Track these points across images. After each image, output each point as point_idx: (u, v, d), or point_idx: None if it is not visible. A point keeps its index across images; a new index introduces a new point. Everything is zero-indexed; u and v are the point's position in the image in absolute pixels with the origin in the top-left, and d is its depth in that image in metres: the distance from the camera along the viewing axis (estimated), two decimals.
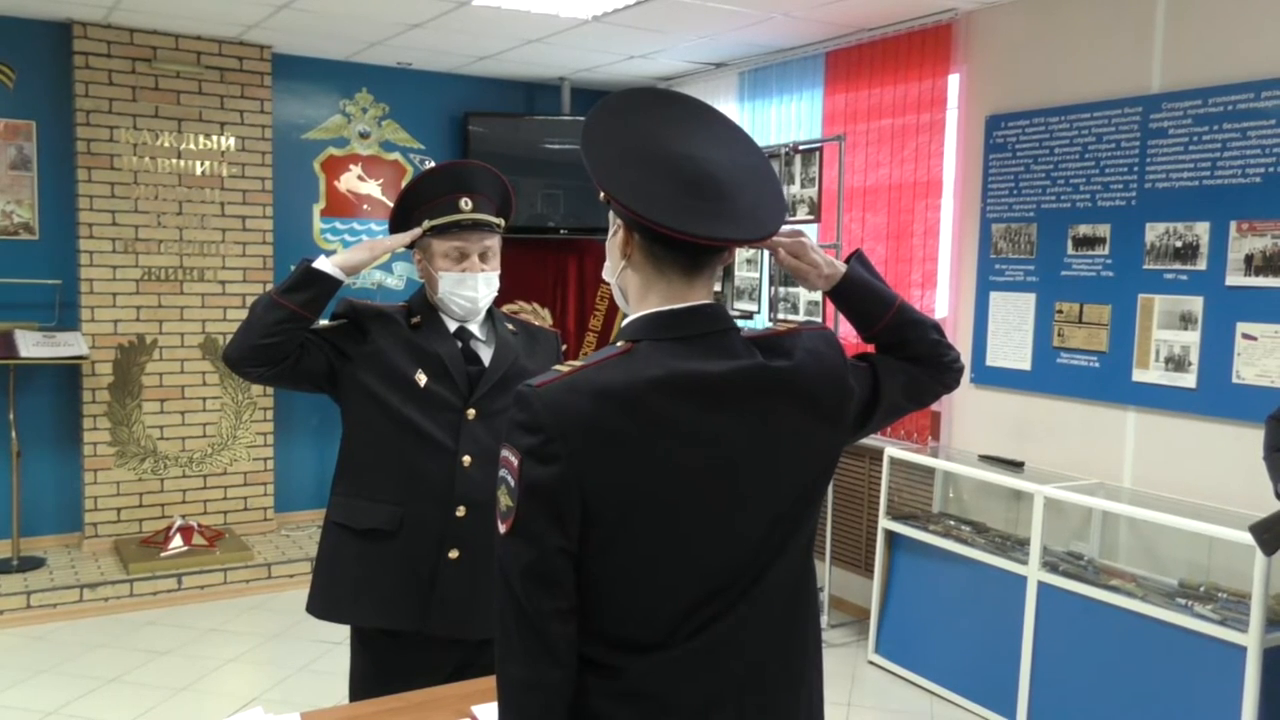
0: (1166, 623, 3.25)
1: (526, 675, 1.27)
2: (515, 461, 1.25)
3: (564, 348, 2.49)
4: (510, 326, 2.30)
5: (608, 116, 1.29)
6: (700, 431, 1.25)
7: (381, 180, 6.01)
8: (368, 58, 5.72)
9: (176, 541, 5.07)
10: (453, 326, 2.22)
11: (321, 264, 2.12)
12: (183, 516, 5.27)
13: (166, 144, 5.27)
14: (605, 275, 1.42)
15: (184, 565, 4.96)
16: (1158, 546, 3.63)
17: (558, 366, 1.28)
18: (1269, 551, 2.93)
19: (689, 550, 1.25)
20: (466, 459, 2.15)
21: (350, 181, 5.93)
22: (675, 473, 1.24)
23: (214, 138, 5.38)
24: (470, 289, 2.18)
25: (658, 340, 1.29)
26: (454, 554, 2.15)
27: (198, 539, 5.13)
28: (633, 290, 1.35)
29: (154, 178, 5.26)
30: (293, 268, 2.14)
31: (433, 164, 6.04)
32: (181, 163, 5.31)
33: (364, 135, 5.94)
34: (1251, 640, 3.02)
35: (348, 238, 5.93)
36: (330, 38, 5.26)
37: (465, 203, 2.17)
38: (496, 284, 2.24)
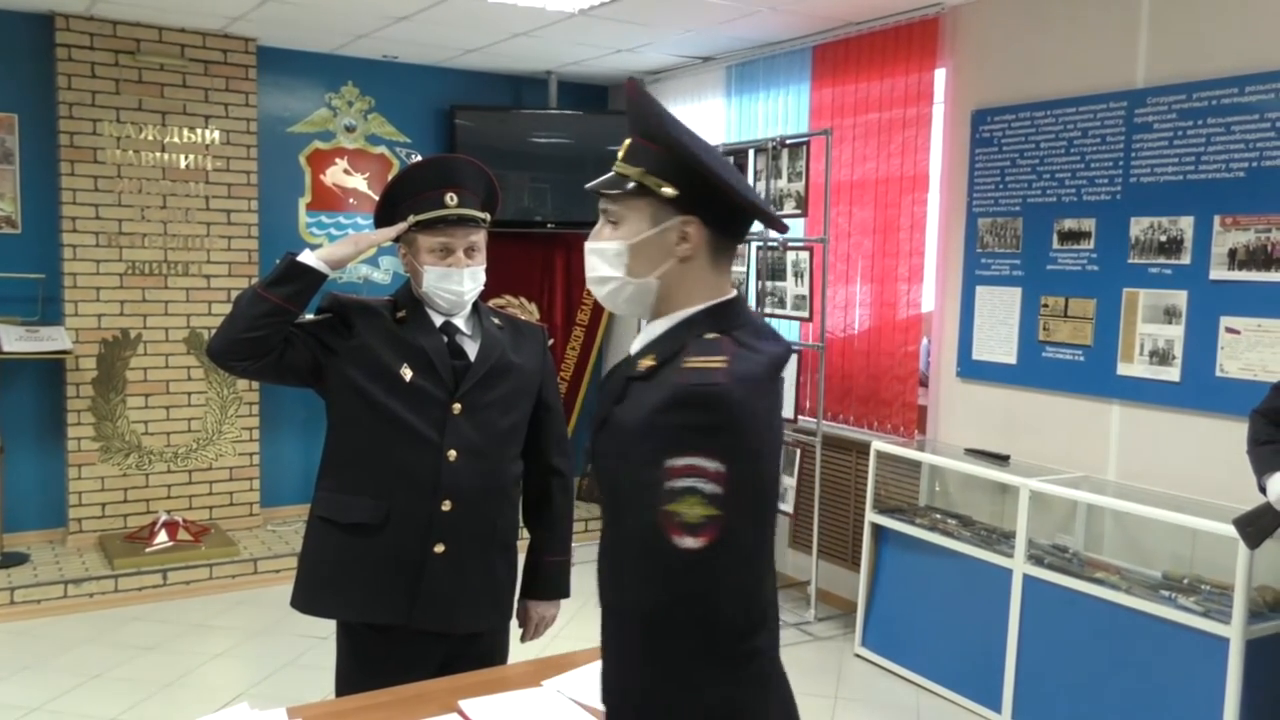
0: (1150, 615, 3.27)
1: (734, 694, 1.26)
2: (714, 467, 1.19)
3: (550, 342, 2.49)
4: (496, 321, 2.29)
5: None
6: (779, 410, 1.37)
7: (367, 174, 5.98)
8: (353, 51, 5.69)
9: (161, 537, 5.05)
10: (438, 320, 2.21)
11: (306, 257, 2.11)
12: (168, 512, 5.25)
13: (150, 137, 5.24)
14: (623, 274, 1.40)
15: (169, 561, 4.94)
16: (1142, 539, 3.65)
17: (696, 361, 1.26)
18: (1253, 545, 2.95)
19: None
20: (452, 453, 2.14)
21: (336, 175, 5.90)
22: (777, 450, 1.35)
23: (198, 131, 5.34)
24: (456, 283, 2.17)
25: (740, 328, 1.34)
26: (439, 548, 2.14)
27: (183, 534, 5.11)
28: (682, 287, 1.36)
29: (137, 171, 5.22)
30: (278, 261, 2.13)
31: (419, 158, 6.00)
32: (165, 156, 5.28)
33: (350, 129, 5.91)
34: (1234, 632, 3.05)
35: (334, 231, 5.91)
36: (315, 30, 5.23)
37: (451, 197, 2.15)
38: (482, 278, 2.23)
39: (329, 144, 5.87)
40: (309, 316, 2.20)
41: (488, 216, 2.24)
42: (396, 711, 1.95)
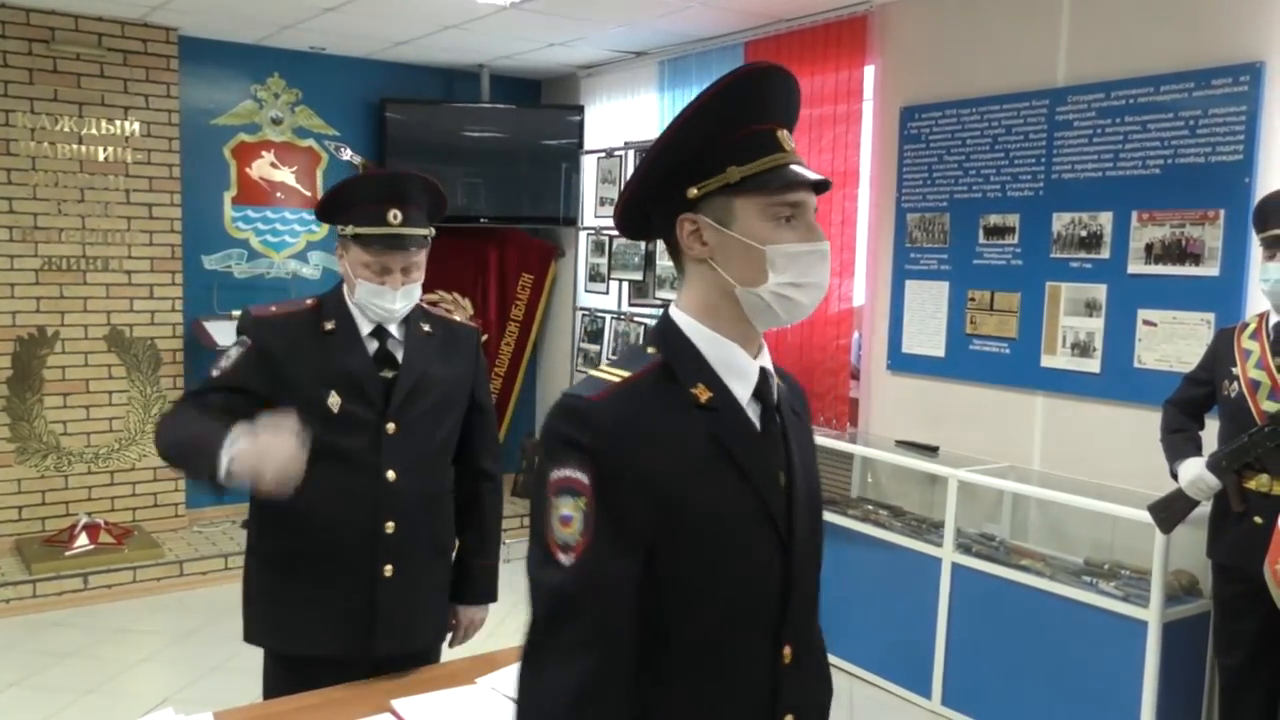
0: (1073, 600, 3.37)
1: None
2: None
3: (484, 338, 2.45)
4: (425, 328, 2.21)
5: None
6: None
7: (295, 167, 5.87)
8: (280, 42, 5.57)
9: (82, 540, 4.90)
10: (367, 327, 2.14)
11: (223, 468, 1.80)
12: (88, 514, 5.09)
13: (66, 129, 5.07)
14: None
15: (90, 564, 4.79)
16: (1065, 526, 3.75)
17: None
18: (1166, 530, 3.06)
19: None
20: (391, 473, 2.10)
21: (263, 168, 5.78)
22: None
23: (117, 123, 5.18)
24: (389, 302, 2.10)
25: None
26: (388, 570, 2.11)
27: (105, 537, 4.96)
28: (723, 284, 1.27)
29: (53, 164, 5.05)
30: (198, 466, 1.87)
31: (349, 152, 5.92)
32: (83, 148, 5.11)
33: (276, 121, 5.79)
34: (1152, 615, 3.15)
35: (260, 226, 5.78)
36: (240, 20, 5.11)
37: (395, 215, 2.07)
38: (418, 294, 2.16)
39: (255, 136, 5.74)
40: (233, 351, 2.10)
41: (431, 232, 2.17)
42: (328, 713, 1.92)
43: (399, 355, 2.15)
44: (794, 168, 1.24)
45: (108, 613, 4.64)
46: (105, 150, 5.16)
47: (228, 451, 1.79)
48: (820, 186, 1.27)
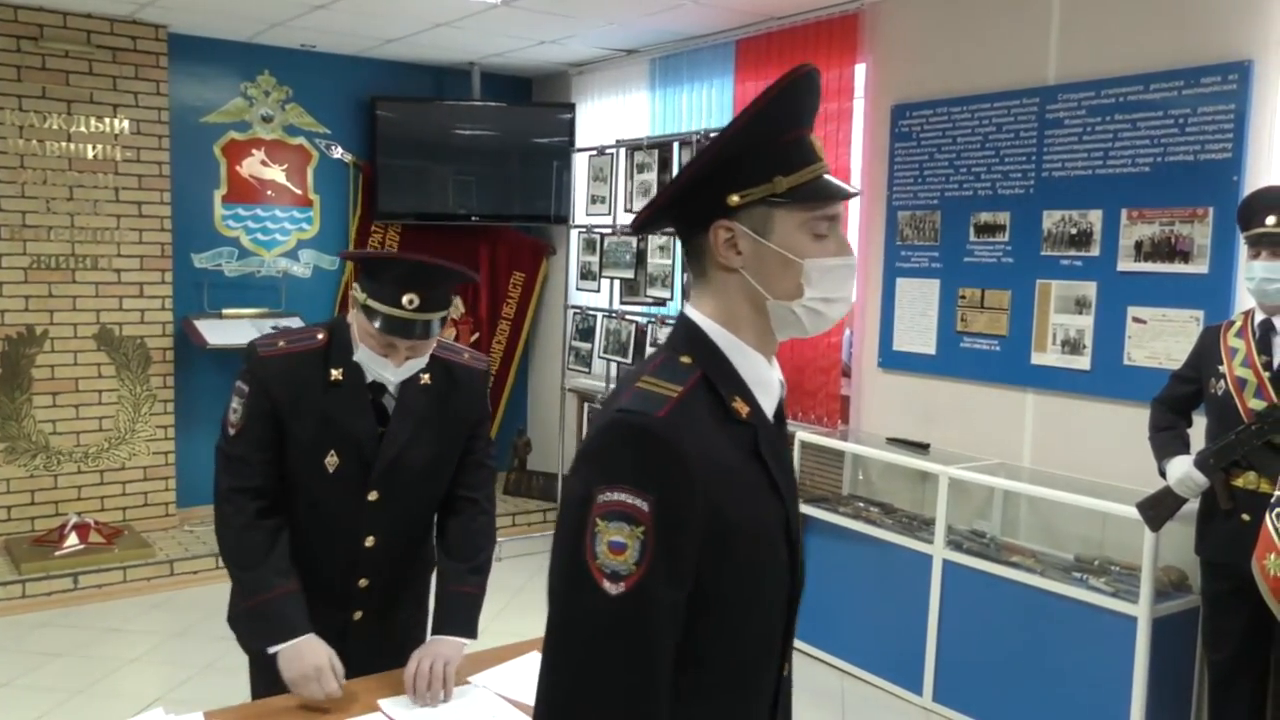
0: (1063, 596, 3.38)
1: None
2: None
3: (491, 372, 2.35)
4: (425, 378, 2.09)
5: None
6: None
7: (286, 165, 5.85)
8: (270, 39, 5.56)
9: (72, 540, 4.88)
10: (371, 377, 2.05)
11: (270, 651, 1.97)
12: (78, 514, 5.07)
13: (55, 126, 5.04)
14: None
15: (80, 564, 4.78)
16: (1055, 523, 3.77)
17: None
18: (1155, 527, 3.07)
19: None
20: (370, 539, 2.09)
21: (253, 166, 5.75)
22: None
23: (106, 120, 5.16)
24: (387, 373, 2.01)
25: None
26: (358, 615, 2.13)
27: (95, 536, 4.94)
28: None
29: (42, 161, 5.02)
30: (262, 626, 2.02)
31: (339, 149, 5.91)
32: (72, 146, 5.09)
33: (266, 119, 5.77)
34: (1141, 611, 3.16)
35: (251, 224, 5.76)
36: (230, 17, 5.09)
37: (410, 300, 1.93)
38: (420, 365, 2.05)
39: (245, 134, 5.72)
40: (236, 402, 2.04)
41: (445, 313, 2.03)
42: (317, 713, 1.92)
43: (390, 411, 2.07)
44: (830, 179, 1.19)
45: (98, 613, 4.62)
46: (94, 148, 5.14)
47: (279, 647, 1.96)
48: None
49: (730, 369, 1.19)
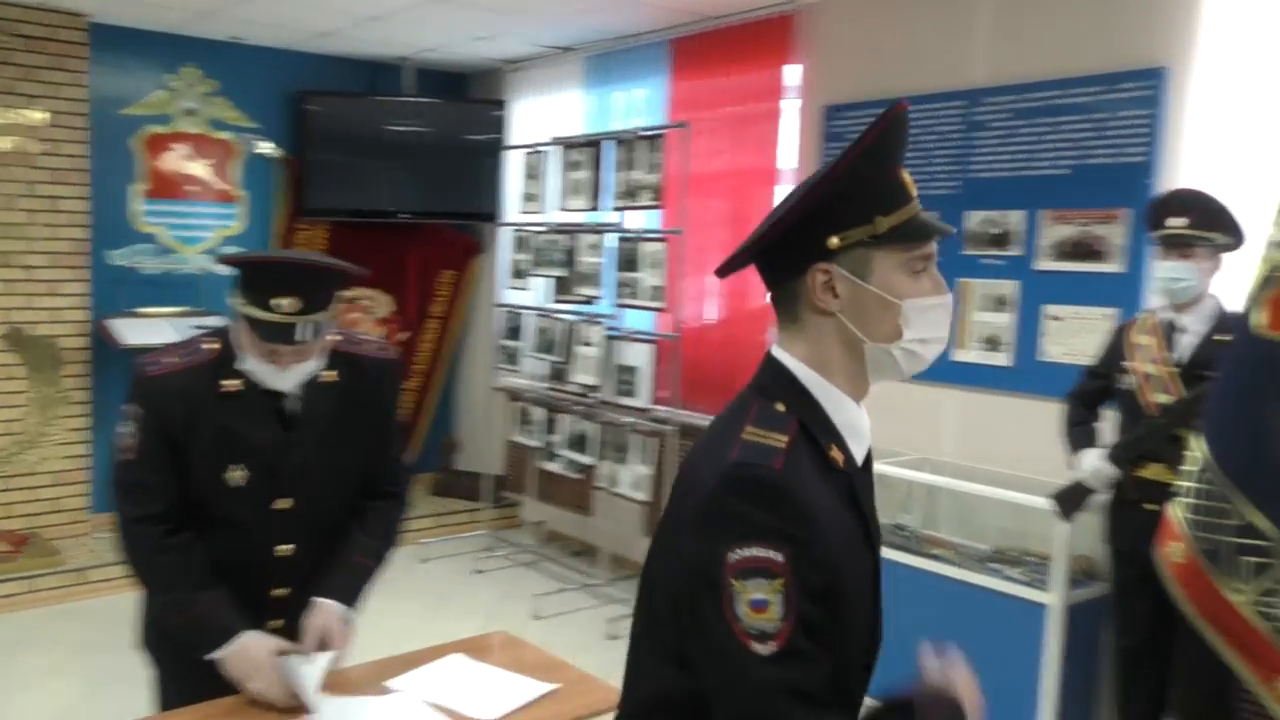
0: (979, 586, 3.43)
1: None
2: None
3: (399, 357, 2.27)
4: (328, 376, 2.02)
5: None
6: None
7: (211, 160, 5.71)
8: (196, 30, 5.43)
9: None
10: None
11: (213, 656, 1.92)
12: None
13: None
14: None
15: None
16: (975, 516, 3.83)
17: None
18: (1066, 517, 3.15)
19: None
20: (281, 548, 2.04)
21: (175, 161, 5.61)
22: None
23: (22, 111, 5.00)
24: (277, 381, 1.94)
25: None
26: (275, 623, 2.05)
27: None
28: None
29: None
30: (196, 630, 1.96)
31: (268, 145, 5.79)
32: None
33: (190, 112, 5.63)
34: (1054, 599, 3.23)
35: (173, 220, 5.61)
36: (154, 7, 4.97)
37: (288, 304, 1.84)
38: (313, 365, 1.98)
39: (167, 127, 5.57)
40: (125, 430, 1.97)
41: (329, 315, 1.94)
42: (272, 712, 1.86)
43: (297, 414, 2.01)
44: (926, 216, 1.18)
45: (2, 624, 4.43)
46: (9, 140, 4.97)
47: (223, 651, 1.91)
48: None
49: (824, 416, 1.17)
